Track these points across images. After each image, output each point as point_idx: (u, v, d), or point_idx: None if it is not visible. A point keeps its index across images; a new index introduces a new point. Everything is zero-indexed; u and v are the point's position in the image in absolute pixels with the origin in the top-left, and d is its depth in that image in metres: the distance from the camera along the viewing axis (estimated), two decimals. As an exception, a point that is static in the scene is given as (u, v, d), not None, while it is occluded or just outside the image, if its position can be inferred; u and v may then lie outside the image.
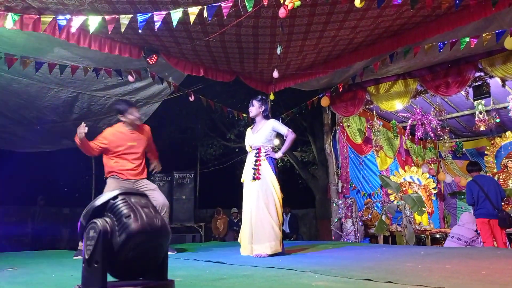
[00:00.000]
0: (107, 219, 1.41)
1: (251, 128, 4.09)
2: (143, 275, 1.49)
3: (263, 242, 3.56)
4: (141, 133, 4.18)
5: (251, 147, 3.98)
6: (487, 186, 5.56)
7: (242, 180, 3.95)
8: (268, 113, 4.08)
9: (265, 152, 3.84)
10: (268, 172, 3.77)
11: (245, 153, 4.89)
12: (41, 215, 9.38)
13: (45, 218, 9.45)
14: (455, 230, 5.94)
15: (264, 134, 3.91)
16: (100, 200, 1.47)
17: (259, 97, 4.10)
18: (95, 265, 1.35)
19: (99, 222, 1.39)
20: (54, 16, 3.75)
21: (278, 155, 3.91)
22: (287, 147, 3.99)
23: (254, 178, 3.76)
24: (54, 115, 6.35)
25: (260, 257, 3.47)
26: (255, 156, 3.85)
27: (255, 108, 4.01)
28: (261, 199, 3.68)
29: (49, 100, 5.86)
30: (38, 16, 3.74)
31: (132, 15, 3.71)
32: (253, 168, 3.80)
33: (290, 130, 3.94)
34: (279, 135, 4.13)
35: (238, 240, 3.90)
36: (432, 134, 7.54)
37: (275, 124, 3.97)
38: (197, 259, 3.39)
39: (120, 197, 1.46)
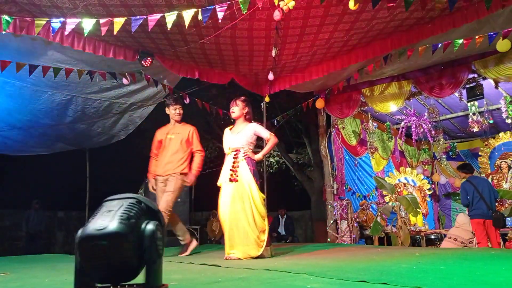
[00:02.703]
0: None
1: (230, 129, 3.95)
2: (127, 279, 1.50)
3: (236, 246, 3.51)
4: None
5: (230, 149, 3.82)
6: (481, 187, 5.59)
7: (218, 184, 3.80)
8: (250, 116, 3.94)
9: (244, 153, 3.71)
10: (246, 175, 3.65)
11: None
12: (36, 218, 9.31)
13: (39, 222, 9.38)
14: (452, 231, 5.98)
15: (245, 137, 3.78)
16: None
17: (243, 97, 3.97)
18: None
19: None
20: (48, 19, 3.73)
21: (258, 156, 3.75)
22: (268, 151, 3.87)
23: (230, 180, 3.64)
24: (48, 118, 6.31)
25: (230, 259, 3.45)
26: (233, 158, 3.72)
27: (238, 109, 3.87)
28: (237, 202, 3.57)
29: (43, 103, 5.82)
30: (31, 19, 3.72)
31: (126, 18, 3.70)
32: (230, 170, 3.66)
33: (272, 134, 3.83)
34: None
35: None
36: (428, 135, 7.59)
37: (257, 128, 3.85)
38: (193, 262, 3.37)
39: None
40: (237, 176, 3.63)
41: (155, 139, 4.52)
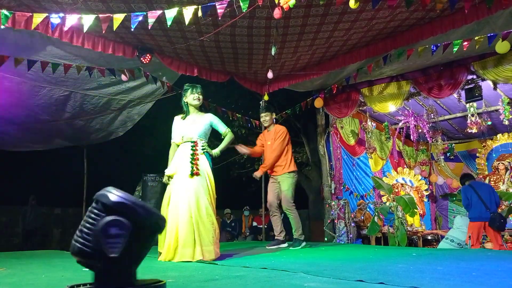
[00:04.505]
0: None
1: (182, 118, 3.71)
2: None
3: (206, 245, 3.25)
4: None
5: (182, 138, 3.59)
6: (482, 191, 5.52)
7: (170, 174, 3.52)
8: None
9: (203, 146, 3.55)
10: (206, 168, 3.50)
11: (238, 153, 4.88)
12: (32, 215, 9.28)
13: (36, 218, 9.35)
14: (450, 232, 5.99)
15: (201, 127, 3.61)
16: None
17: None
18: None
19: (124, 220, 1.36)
20: (47, 14, 3.71)
21: (216, 152, 3.64)
22: (226, 147, 3.71)
23: (192, 174, 3.39)
24: (46, 114, 6.29)
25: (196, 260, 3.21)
26: (191, 149, 3.49)
27: (202, 98, 3.70)
28: (202, 197, 3.36)
29: (41, 99, 5.80)
30: (30, 14, 3.70)
31: (126, 14, 3.69)
32: (191, 162, 3.43)
33: (229, 129, 3.72)
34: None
35: (165, 245, 3.29)
36: (427, 136, 7.60)
37: (215, 121, 3.70)
38: (190, 259, 3.37)
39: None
40: (199, 170, 3.43)
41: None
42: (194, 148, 3.50)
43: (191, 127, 3.60)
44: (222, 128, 3.70)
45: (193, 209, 3.30)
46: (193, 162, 3.43)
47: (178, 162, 3.51)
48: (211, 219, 3.34)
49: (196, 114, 3.69)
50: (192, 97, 3.66)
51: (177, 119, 3.74)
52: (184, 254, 3.21)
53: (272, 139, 4.70)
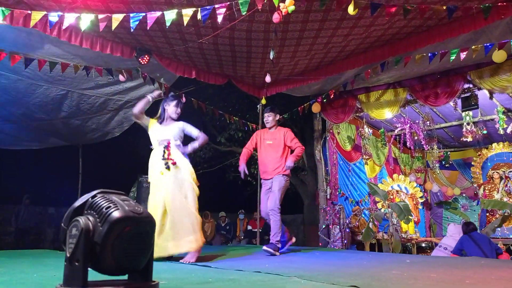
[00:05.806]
0: (89, 217, 1.41)
1: (159, 122, 3.84)
2: (129, 272, 1.49)
3: (186, 236, 3.36)
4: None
5: (158, 141, 3.70)
6: (482, 242, 5.38)
7: (150, 180, 3.68)
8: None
9: (176, 144, 3.67)
10: (181, 160, 3.59)
11: (234, 156, 4.88)
12: (26, 214, 9.22)
13: (29, 218, 9.29)
14: (443, 240, 5.98)
15: (175, 131, 3.75)
16: (79, 201, 1.49)
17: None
18: (76, 263, 1.34)
19: (81, 220, 1.39)
20: (45, 12, 3.71)
21: (190, 148, 3.73)
22: (199, 147, 3.86)
23: (168, 167, 3.50)
24: (43, 112, 6.26)
25: (189, 263, 3.31)
26: (164, 148, 3.60)
27: (179, 110, 3.87)
28: (176, 191, 3.46)
29: (38, 97, 5.78)
30: (29, 12, 3.69)
31: (125, 14, 3.69)
32: (163, 159, 3.53)
33: (202, 132, 3.85)
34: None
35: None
36: (423, 143, 7.64)
37: (187, 127, 3.84)
38: (183, 261, 3.35)
39: (99, 195, 1.47)
40: (174, 163, 3.52)
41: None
42: (166, 147, 3.61)
43: (166, 130, 3.76)
44: (194, 132, 3.83)
45: (168, 206, 3.44)
46: (165, 157, 3.54)
47: (154, 164, 3.65)
48: (188, 211, 3.44)
49: (169, 120, 3.85)
50: (174, 110, 3.82)
51: (154, 121, 3.85)
52: (160, 249, 3.26)
53: (279, 139, 4.53)
